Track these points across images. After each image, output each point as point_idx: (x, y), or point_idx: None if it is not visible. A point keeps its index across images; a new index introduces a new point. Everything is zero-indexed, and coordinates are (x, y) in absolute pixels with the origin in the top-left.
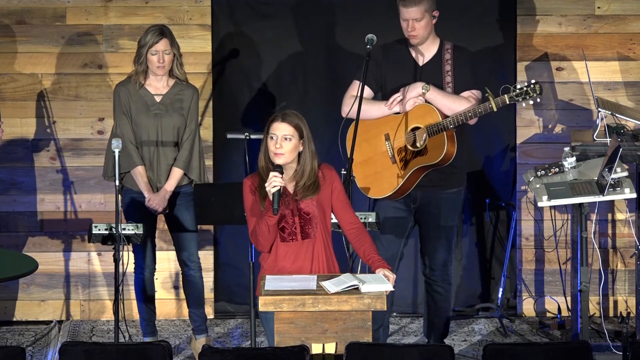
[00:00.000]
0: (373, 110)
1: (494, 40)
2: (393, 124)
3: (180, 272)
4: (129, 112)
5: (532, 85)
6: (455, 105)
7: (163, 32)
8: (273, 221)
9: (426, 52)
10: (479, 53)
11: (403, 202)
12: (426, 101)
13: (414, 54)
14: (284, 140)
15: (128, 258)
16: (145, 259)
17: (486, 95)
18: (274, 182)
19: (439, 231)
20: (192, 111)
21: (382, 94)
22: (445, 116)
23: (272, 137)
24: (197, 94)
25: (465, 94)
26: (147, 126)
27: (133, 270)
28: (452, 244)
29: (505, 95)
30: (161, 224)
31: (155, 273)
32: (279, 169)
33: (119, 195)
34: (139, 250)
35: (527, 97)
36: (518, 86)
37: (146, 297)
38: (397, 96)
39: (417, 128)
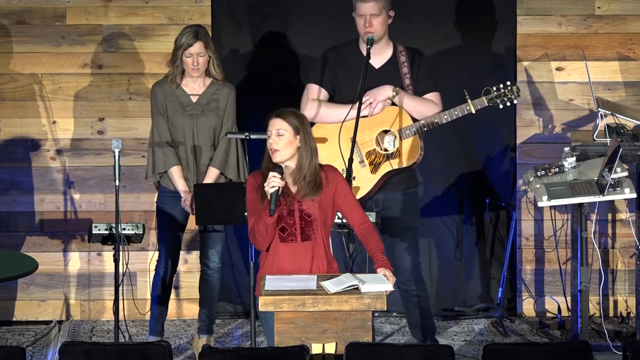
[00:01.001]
0: (335, 113)
1: (494, 41)
2: (360, 127)
3: (186, 272)
4: (166, 112)
5: (509, 87)
6: (424, 108)
7: (197, 34)
8: (270, 221)
9: (380, 54)
10: (479, 53)
11: (365, 207)
12: (393, 104)
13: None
14: (277, 136)
15: (128, 258)
16: (168, 259)
17: (465, 97)
18: (272, 182)
19: (404, 232)
20: (229, 110)
21: (337, 97)
22: (414, 119)
23: (268, 135)
24: (234, 93)
25: (428, 96)
26: (183, 126)
27: (154, 268)
28: (417, 244)
29: (484, 97)
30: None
31: (174, 274)
32: (279, 169)
33: (123, 195)
34: (164, 249)
35: (505, 99)
36: (495, 88)
37: (161, 296)
38: (367, 99)
39: (386, 131)
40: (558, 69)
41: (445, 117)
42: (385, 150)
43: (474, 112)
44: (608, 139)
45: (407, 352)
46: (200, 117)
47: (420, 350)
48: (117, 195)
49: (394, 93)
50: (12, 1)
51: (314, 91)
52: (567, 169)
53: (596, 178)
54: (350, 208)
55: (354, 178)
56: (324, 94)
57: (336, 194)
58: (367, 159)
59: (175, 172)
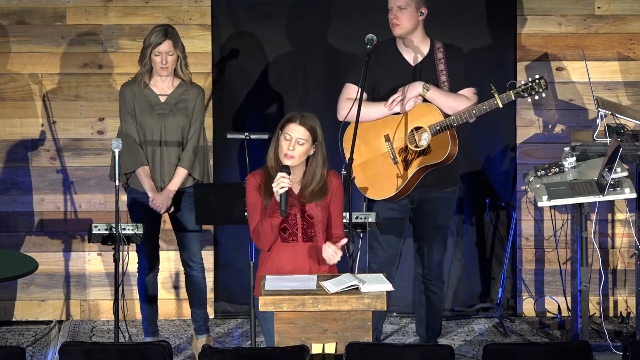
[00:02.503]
0: (372, 111)
1: (494, 40)
2: (392, 124)
3: (183, 272)
4: (134, 112)
5: (537, 80)
6: (456, 103)
7: (167, 33)
8: (278, 221)
9: (417, 51)
10: (479, 53)
11: (400, 203)
12: (425, 100)
13: (405, 54)
14: (297, 144)
15: (128, 258)
16: (148, 259)
17: (492, 92)
18: (281, 183)
19: (435, 231)
20: (197, 111)
21: (375, 96)
22: (446, 115)
23: (286, 138)
24: (203, 94)
25: (463, 92)
26: (151, 126)
27: (136, 270)
28: (446, 243)
29: (511, 91)
30: (164, 224)
31: (158, 273)
32: (287, 169)
33: (123, 195)
34: (142, 250)
35: (533, 93)
36: (523, 82)
37: (149, 297)
38: (397, 96)
39: (418, 128)
40: (558, 69)
41: (474, 112)
42: (417, 146)
43: (501, 106)
44: (608, 139)
45: (407, 352)
46: (169, 117)
47: (420, 350)
48: (117, 195)
49: (424, 89)
50: (12, 1)
51: (352, 91)
52: (567, 169)
53: (596, 178)
54: (335, 216)
55: (353, 178)
56: (360, 92)
57: (332, 198)
58: (399, 156)
59: (143, 172)
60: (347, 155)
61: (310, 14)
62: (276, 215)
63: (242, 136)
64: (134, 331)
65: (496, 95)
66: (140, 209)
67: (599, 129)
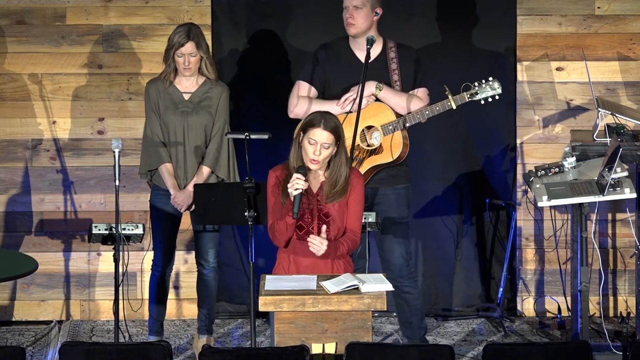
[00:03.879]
0: (323, 109)
1: (494, 41)
2: (344, 123)
3: (184, 272)
4: (158, 110)
5: (490, 82)
6: (408, 104)
7: (189, 34)
8: (292, 221)
9: (370, 50)
10: (479, 53)
11: None
12: (377, 99)
13: (357, 53)
14: (322, 148)
15: (128, 258)
16: (163, 258)
17: (445, 93)
18: (296, 185)
19: (393, 227)
20: (221, 109)
21: (326, 94)
22: (398, 115)
23: (311, 142)
24: (227, 92)
25: (415, 92)
26: (174, 124)
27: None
28: (408, 239)
29: (465, 93)
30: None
31: (171, 273)
32: (303, 170)
33: (123, 195)
34: (158, 248)
35: (486, 94)
36: (477, 83)
37: (159, 296)
38: (350, 95)
39: (370, 127)
40: (558, 69)
41: (427, 112)
42: (369, 145)
43: (454, 107)
44: (608, 139)
45: (407, 352)
46: (192, 115)
47: (420, 350)
48: (117, 195)
49: (377, 89)
50: (12, 1)
51: (304, 88)
52: (567, 169)
53: (596, 178)
54: (352, 212)
55: None
56: (313, 91)
57: (351, 196)
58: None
59: (166, 170)
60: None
61: (310, 14)
62: (290, 215)
63: (242, 136)
64: (134, 331)
65: (450, 96)
66: (161, 207)
67: (599, 129)
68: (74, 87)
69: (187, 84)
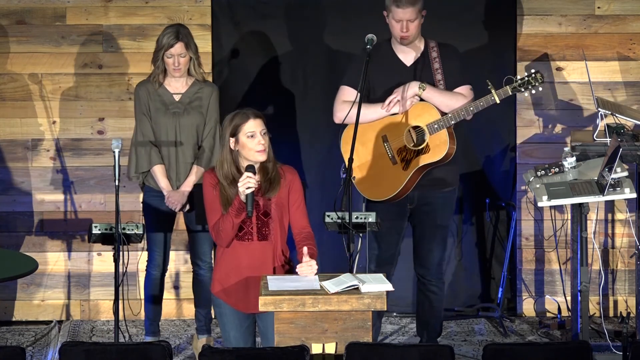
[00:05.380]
0: (369, 113)
1: (494, 40)
2: (389, 125)
3: (183, 272)
4: (149, 112)
5: (533, 75)
6: (453, 101)
7: (178, 35)
8: (240, 220)
9: (412, 51)
10: (479, 53)
11: (399, 203)
12: (421, 99)
13: (399, 55)
14: (264, 136)
15: (128, 258)
16: (157, 259)
17: (489, 87)
18: (248, 183)
19: (434, 231)
20: (211, 109)
21: (371, 97)
22: (443, 113)
23: (249, 136)
24: (217, 92)
25: (459, 89)
26: (165, 125)
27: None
28: (446, 243)
29: (507, 86)
30: (177, 225)
31: (166, 274)
32: (252, 169)
33: (123, 195)
34: (153, 249)
35: (530, 87)
36: (519, 76)
37: (154, 296)
38: (394, 97)
39: (416, 127)
40: (558, 69)
41: (471, 108)
42: (415, 146)
43: (498, 102)
44: (608, 139)
45: (407, 352)
46: (183, 116)
47: (420, 350)
48: (117, 195)
49: (421, 89)
50: (12, 1)
51: (347, 92)
52: (567, 169)
53: (596, 178)
54: (296, 210)
55: (354, 178)
56: (358, 95)
57: (290, 192)
58: (398, 156)
59: (158, 171)
60: (346, 157)
61: (310, 14)
62: (241, 214)
63: None
64: (134, 331)
65: (493, 91)
66: (155, 208)
67: (599, 129)
68: (74, 87)
69: (177, 85)
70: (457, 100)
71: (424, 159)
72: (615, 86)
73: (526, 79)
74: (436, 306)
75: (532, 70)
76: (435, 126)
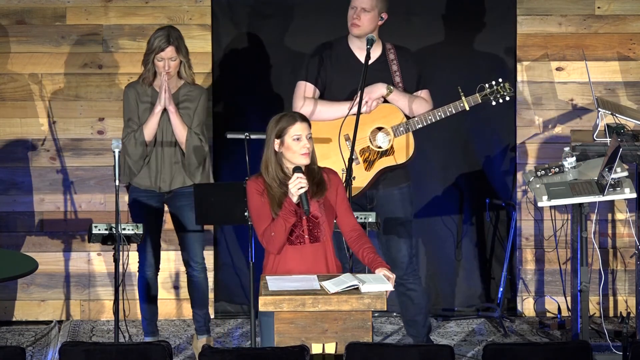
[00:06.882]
0: (332, 111)
1: (494, 40)
2: (352, 124)
3: (183, 272)
4: (137, 113)
5: (502, 84)
6: (416, 106)
7: (169, 39)
8: (292, 222)
9: (370, 52)
10: (479, 53)
11: (359, 204)
12: (385, 101)
13: (356, 53)
14: (309, 140)
15: (128, 258)
16: (149, 259)
17: (460, 93)
18: (299, 184)
19: (400, 227)
20: (199, 111)
21: (327, 95)
22: (407, 117)
23: (295, 139)
24: (206, 94)
25: (419, 93)
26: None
27: (137, 270)
28: (412, 238)
29: (477, 94)
30: (165, 223)
31: (158, 273)
32: (299, 170)
33: (123, 195)
34: (143, 249)
35: (498, 96)
36: (488, 85)
37: (149, 297)
38: (366, 99)
39: (380, 128)
40: (558, 69)
41: (439, 114)
42: (379, 147)
43: (467, 109)
44: (608, 139)
45: (407, 352)
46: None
47: (420, 350)
48: (117, 195)
49: (388, 91)
50: (12, 1)
51: (307, 89)
52: (567, 169)
53: (596, 178)
54: (345, 212)
55: (354, 178)
56: (317, 92)
57: (337, 195)
58: (361, 156)
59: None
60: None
61: (310, 14)
62: (293, 216)
63: (242, 136)
64: (134, 331)
65: (463, 97)
66: (141, 208)
67: (599, 129)
68: (74, 87)
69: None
70: (420, 105)
71: (388, 161)
72: (615, 86)
73: (495, 87)
74: (418, 303)
75: (500, 80)
76: (401, 129)
